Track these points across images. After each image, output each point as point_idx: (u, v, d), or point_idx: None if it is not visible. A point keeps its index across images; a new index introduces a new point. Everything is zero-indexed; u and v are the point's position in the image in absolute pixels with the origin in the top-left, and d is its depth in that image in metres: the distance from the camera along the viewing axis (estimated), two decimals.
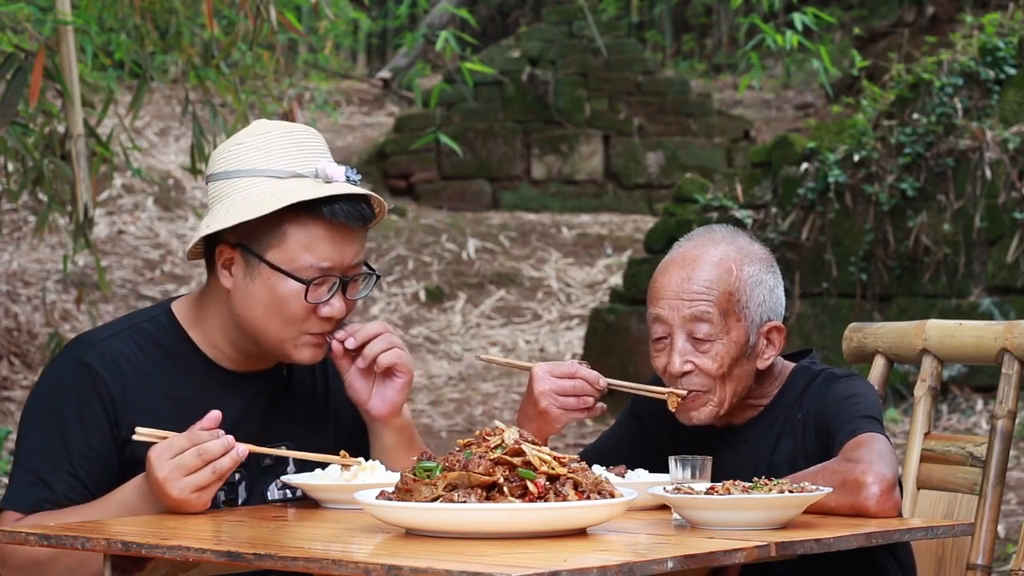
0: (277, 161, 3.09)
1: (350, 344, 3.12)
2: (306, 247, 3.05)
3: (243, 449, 2.93)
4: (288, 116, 6.61)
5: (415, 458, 2.74)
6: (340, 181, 3.08)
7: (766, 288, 3.19)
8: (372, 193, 3.12)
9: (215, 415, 2.92)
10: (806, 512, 2.81)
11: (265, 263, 3.06)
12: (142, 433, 2.92)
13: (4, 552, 3.01)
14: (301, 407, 3.23)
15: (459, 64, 8.93)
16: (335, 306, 3.08)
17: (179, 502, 2.90)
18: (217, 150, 3.17)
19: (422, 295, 12.44)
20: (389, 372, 3.15)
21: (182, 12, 7.05)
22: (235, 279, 3.09)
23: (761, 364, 3.19)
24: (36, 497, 3.01)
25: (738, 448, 3.21)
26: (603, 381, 3.18)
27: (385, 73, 17.56)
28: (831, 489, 2.84)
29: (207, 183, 3.17)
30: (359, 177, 3.13)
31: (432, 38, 10.04)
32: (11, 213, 11.86)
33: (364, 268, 3.14)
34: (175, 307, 3.20)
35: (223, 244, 3.09)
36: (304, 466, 3.18)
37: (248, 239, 3.06)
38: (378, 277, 3.18)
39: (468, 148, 14.06)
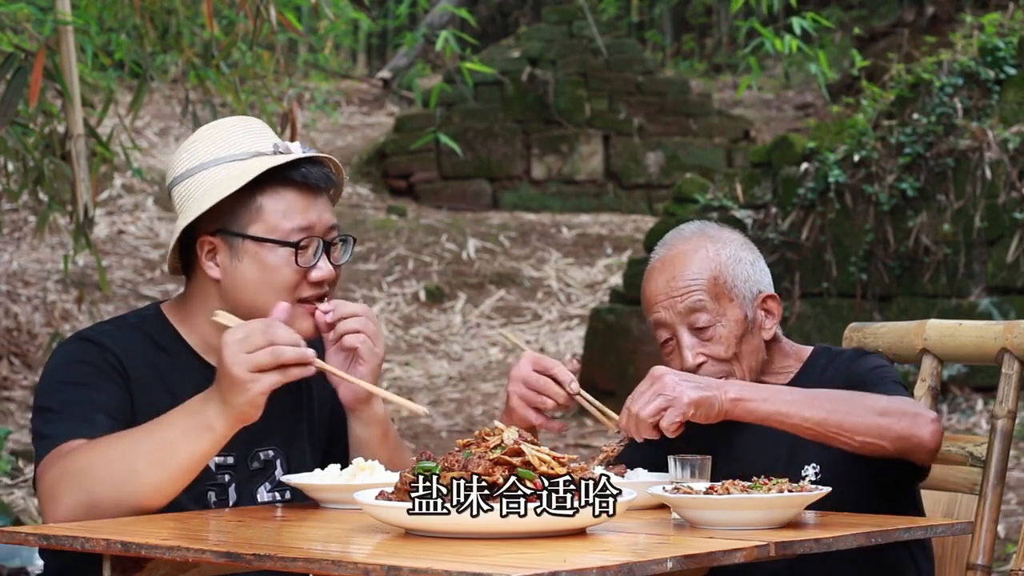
0: (235, 146, 3.13)
1: (329, 317, 3.12)
2: (283, 214, 3.08)
3: (312, 353, 2.87)
4: (288, 116, 6.61)
5: (414, 458, 2.74)
6: (298, 153, 3.13)
7: (746, 263, 3.28)
8: (332, 157, 3.17)
9: (284, 305, 2.94)
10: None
11: (249, 239, 3.08)
12: (221, 315, 2.95)
13: (44, 465, 2.95)
14: (287, 408, 3.22)
15: (459, 64, 8.92)
16: (323, 268, 3.11)
17: (236, 382, 2.82)
18: (172, 158, 3.18)
19: (422, 295, 12.44)
20: (356, 359, 3.14)
21: (182, 12, 7.04)
22: (222, 266, 3.11)
23: (766, 335, 3.30)
24: (86, 429, 2.95)
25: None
26: (575, 386, 3.14)
27: (385, 73, 17.56)
28: (829, 489, 2.84)
29: (170, 193, 3.17)
30: (313, 152, 3.17)
31: (432, 38, 10.03)
32: (11, 213, 11.86)
33: (339, 234, 3.17)
34: (164, 308, 3.22)
35: (203, 237, 3.11)
36: (292, 469, 3.18)
37: (226, 222, 3.09)
38: (354, 240, 3.21)
39: (468, 148, 14.05)
